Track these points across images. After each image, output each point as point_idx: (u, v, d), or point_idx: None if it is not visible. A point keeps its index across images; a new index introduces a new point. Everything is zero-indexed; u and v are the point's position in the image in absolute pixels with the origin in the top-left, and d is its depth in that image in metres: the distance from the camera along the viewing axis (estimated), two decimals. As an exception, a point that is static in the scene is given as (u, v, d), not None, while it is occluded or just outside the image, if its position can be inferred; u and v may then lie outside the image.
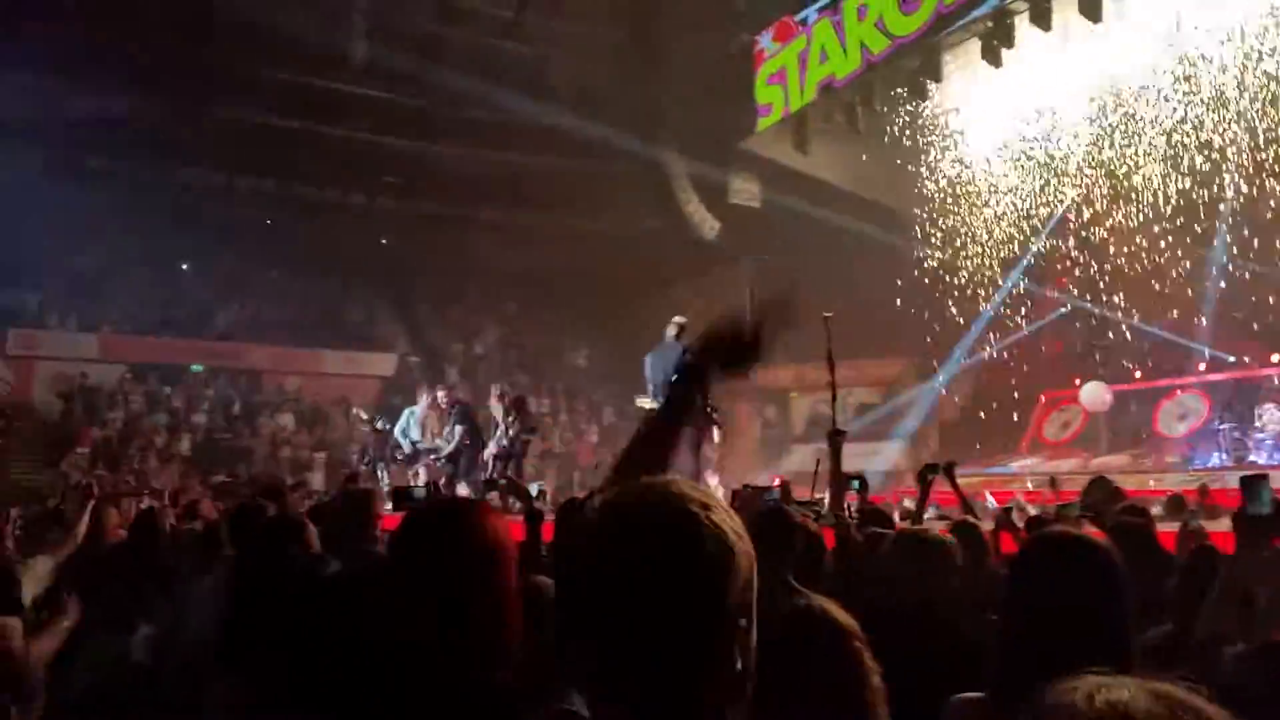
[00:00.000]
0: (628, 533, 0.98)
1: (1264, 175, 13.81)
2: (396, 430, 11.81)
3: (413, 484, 10.00)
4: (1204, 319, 15.32)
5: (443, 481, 10.67)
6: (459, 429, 10.82)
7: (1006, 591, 1.99)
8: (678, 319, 8.69)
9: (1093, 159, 15.56)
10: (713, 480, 9.05)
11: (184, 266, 20.85)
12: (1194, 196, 14.49)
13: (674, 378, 1.49)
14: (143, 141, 16.80)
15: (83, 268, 18.93)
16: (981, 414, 17.62)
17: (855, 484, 5.40)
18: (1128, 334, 16.34)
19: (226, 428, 19.11)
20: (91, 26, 14.55)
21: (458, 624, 1.43)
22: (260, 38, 15.03)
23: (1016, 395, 17.51)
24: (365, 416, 13.91)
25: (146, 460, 16.81)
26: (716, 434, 8.74)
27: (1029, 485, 11.68)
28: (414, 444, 11.54)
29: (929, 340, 17.22)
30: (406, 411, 11.92)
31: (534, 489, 9.47)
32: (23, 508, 6.55)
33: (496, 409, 10.83)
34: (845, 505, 5.35)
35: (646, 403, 8.59)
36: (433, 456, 11.12)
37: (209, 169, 18.91)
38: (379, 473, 13.48)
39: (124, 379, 19.04)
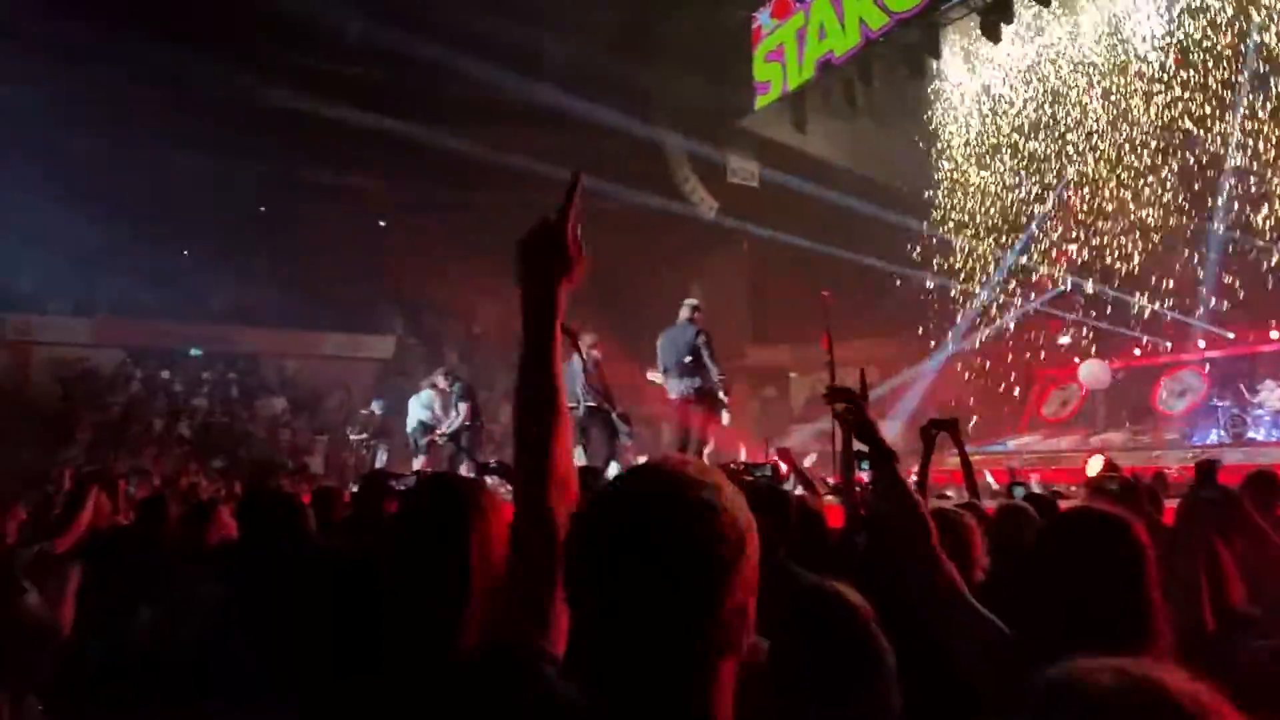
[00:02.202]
0: (638, 514, 0.96)
1: (1265, 149, 13.75)
2: (410, 423, 11.60)
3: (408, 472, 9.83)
4: (1203, 295, 15.29)
5: (446, 462, 10.63)
6: (462, 406, 10.70)
7: (1027, 568, 1.89)
8: (690, 300, 8.52)
9: (1093, 135, 15.49)
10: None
11: (180, 250, 20.75)
12: (1195, 172, 14.44)
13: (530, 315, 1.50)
14: (136, 123, 16.66)
15: (77, 252, 18.84)
16: (980, 392, 17.63)
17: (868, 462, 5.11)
18: (1127, 311, 16.32)
19: (225, 412, 19.10)
20: (77, 3, 14.39)
21: (462, 603, 1.42)
22: (252, 17, 14.89)
23: (1015, 373, 17.52)
24: (362, 436, 14.11)
25: (146, 445, 16.84)
26: (726, 416, 8.59)
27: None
28: (425, 426, 11.40)
29: (928, 319, 17.20)
30: (412, 400, 11.74)
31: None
32: (24, 494, 6.55)
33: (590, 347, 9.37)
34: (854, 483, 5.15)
35: (657, 377, 8.46)
36: (437, 433, 11.04)
37: (203, 151, 18.78)
38: (378, 456, 13.50)
39: (124, 363, 19.01)
